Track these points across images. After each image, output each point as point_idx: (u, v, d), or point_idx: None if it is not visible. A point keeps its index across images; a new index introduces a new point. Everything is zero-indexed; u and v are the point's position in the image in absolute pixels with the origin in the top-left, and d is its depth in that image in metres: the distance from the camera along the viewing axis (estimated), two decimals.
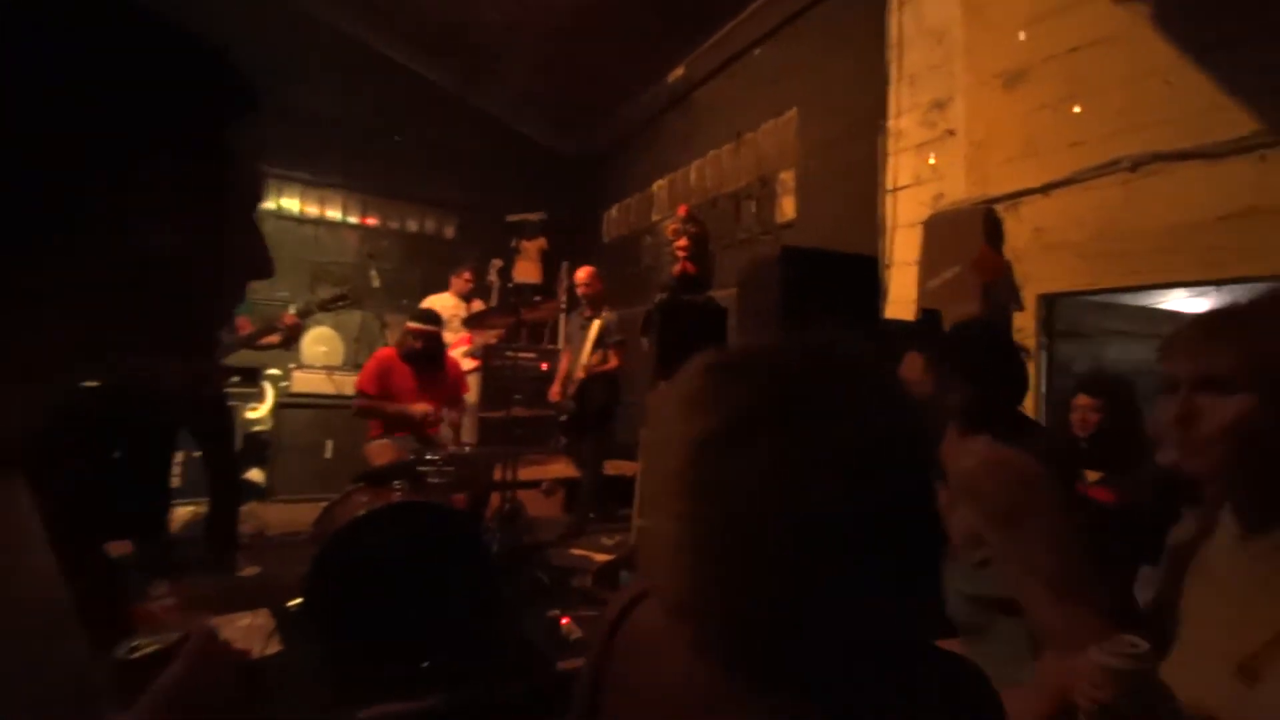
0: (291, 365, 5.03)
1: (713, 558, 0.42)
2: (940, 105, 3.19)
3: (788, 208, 4.03)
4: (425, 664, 1.96)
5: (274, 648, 2.09)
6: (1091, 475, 2.49)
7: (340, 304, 3.38)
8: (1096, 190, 2.60)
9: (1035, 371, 2.79)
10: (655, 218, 5.49)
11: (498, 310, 4.67)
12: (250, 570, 2.91)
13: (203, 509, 3.14)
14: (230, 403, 3.26)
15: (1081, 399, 2.86)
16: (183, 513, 3.40)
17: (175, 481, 3.45)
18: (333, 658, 1.89)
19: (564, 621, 2.41)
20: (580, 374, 3.70)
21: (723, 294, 3.85)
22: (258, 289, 5.56)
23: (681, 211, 4.10)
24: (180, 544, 2.98)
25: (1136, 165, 2.45)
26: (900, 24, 3.37)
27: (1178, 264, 2.40)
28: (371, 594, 1.96)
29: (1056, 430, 2.74)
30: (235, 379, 3.95)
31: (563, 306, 4.09)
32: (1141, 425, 2.98)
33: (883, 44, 3.43)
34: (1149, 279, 2.55)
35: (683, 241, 3.56)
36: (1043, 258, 2.78)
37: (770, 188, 4.13)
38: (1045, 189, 2.76)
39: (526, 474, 3.54)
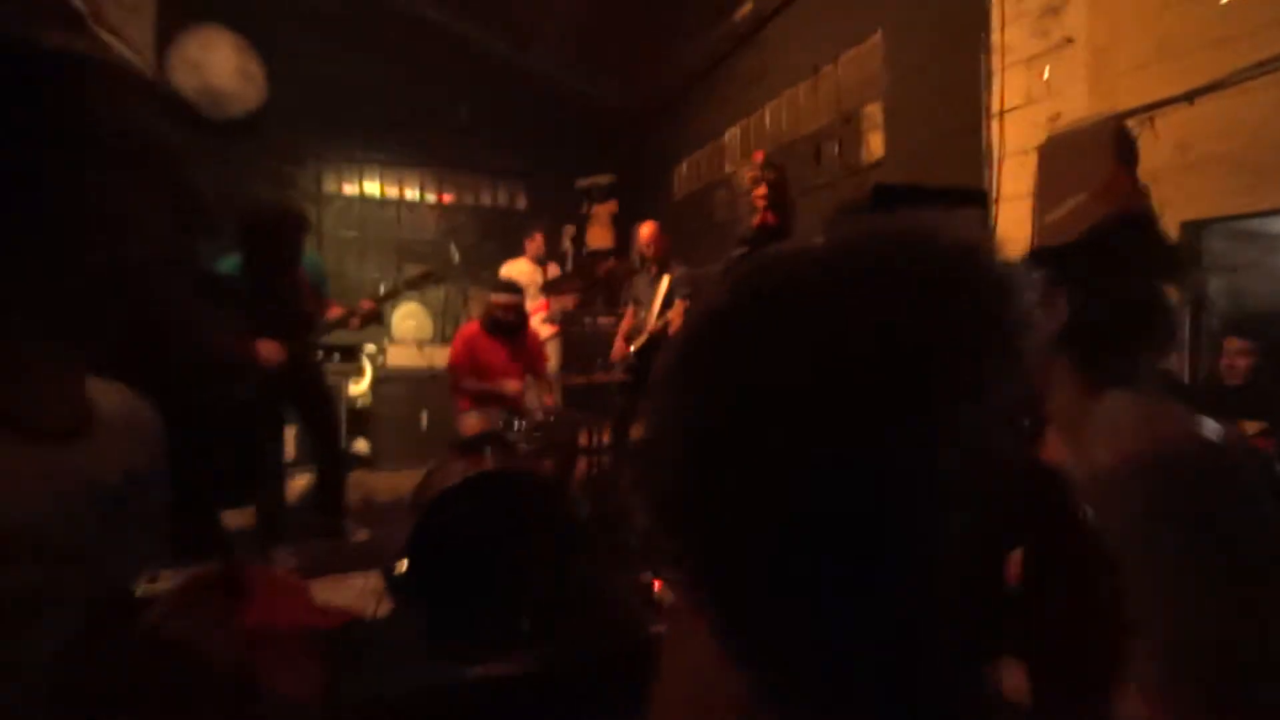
0: (385, 340, 5.27)
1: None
2: (1054, 10, 2.79)
3: (875, 145, 3.72)
4: (524, 626, 2.01)
5: (385, 608, 2.21)
6: (1250, 426, 2.19)
7: (427, 283, 3.47)
8: (1252, 94, 2.20)
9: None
10: (728, 169, 5.25)
11: (572, 275, 4.66)
12: (361, 535, 3.10)
13: (310, 478, 3.39)
14: (328, 377, 3.46)
15: (1232, 342, 2.53)
16: (297, 483, 3.66)
17: (289, 454, 3.73)
18: (435, 620, 1.97)
19: (656, 585, 2.41)
20: (647, 332, 3.63)
21: None
22: (350, 267, 5.84)
23: (757, 158, 3.88)
24: (295, 512, 3.22)
25: None
26: None
27: None
28: (468, 559, 2.02)
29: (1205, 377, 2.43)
30: (335, 356, 4.17)
31: (636, 267, 3.99)
32: None
33: None
34: None
35: (760, 190, 3.35)
36: (1187, 178, 2.40)
37: (854, 124, 3.82)
38: (1188, 96, 2.37)
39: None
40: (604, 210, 6.09)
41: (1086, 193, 2.84)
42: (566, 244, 6.22)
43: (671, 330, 3.60)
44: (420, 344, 5.53)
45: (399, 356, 5.32)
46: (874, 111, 3.71)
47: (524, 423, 2.82)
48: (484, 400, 3.25)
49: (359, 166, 6.13)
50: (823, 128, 4.12)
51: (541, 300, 4.79)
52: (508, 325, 3.30)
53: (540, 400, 3.43)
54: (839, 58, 3.96)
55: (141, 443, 0.62)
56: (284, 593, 1.85)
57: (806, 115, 4.28)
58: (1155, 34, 2.46)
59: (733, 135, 5.19)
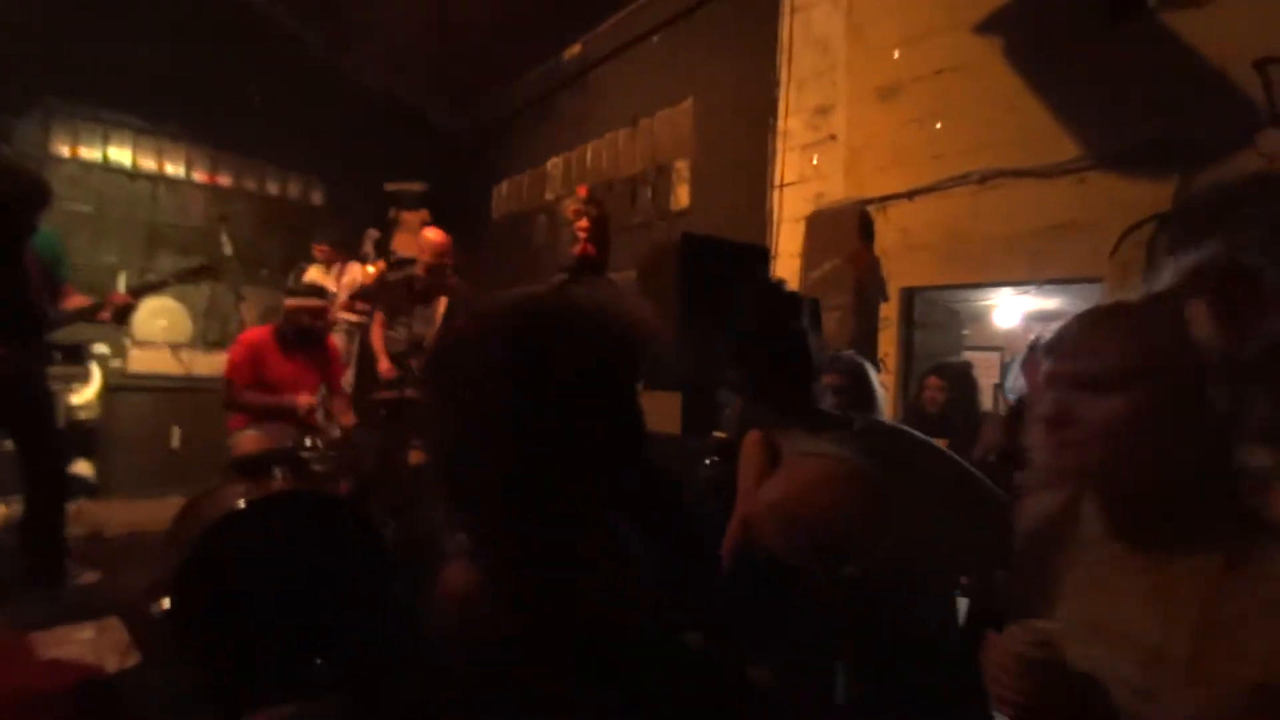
0: (126, 341, 4.39)
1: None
2: (824, 111, 3.44)
3: (682, 195, 4.15)
4: (318, 661, 1.85)
5: (132, 659, 1.87)
6: (942, 443, 2.89)
7: (202, 278, 3.00)
8: (951, 198, 2.96)
9: (896, 355, 3.15)
10: (549, 196, 5.40)
11: (392, 286, 4.37)
12: (89, 577, 2.54)
13: (17, 510, 2.67)
14: (50, 384, 2.79)
15: (932, 380, 3.30)
16: None
17: None
18: (211, 663, 1.73)
19: None
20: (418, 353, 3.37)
21: (618, 277, 3.91)
22: (80, 251, 4.77)
23: (582, 193, 4.08)
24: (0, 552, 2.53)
25: (984, 179, 2.82)
26: (791, 30, 3.57)
27: (1012, 265, 2.80)
28: (255, 592, 1.81)
29: (913, 406, 3.16)
30: (55, 357, 3.37)
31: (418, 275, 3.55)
32: (976, 402, 3.52)
33: (775, 47, 3.62)
34: (989, 277, 2.97)
35: (584, 223, 3.55)
36: (906, 255, 3.12)
37: (666, 175, 4.23)
38: (910, 194, 3.09)
39: (418, 457, 3.38)
40: (414, 218, 5.82)
41: (839, 258, 3.51)
42: (368, 248, 5.81)
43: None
44: (175, 347, 4.69)
45: (144, 361, 4.45)
46: (683, 166, 4.15)
47: (318, 441, 2.58)
48: (268, 416, 2.89)
49: (104, 128, 5.07)
50: (639, 173, 4.48)
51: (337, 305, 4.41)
52: (310, 333, 2.99)
53: (338, 419, 3.15)
54: (656, 113, 4.37)
55: None
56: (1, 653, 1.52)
57: (625, 159, 4.62)
58: (893, 143, 3.17)
59: (555, 165, 5.36)
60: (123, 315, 2.60)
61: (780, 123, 3.61)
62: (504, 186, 6.11)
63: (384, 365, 3.40)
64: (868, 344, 3.15)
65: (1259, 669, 0.59)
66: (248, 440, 2.82)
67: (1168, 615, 0.65)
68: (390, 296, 3.44)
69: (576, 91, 5.16)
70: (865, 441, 1.14)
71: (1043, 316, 4.27)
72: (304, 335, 2.95)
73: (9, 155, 4.42)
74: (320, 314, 2.98)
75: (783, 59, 3.61)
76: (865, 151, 3.28)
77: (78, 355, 4.09)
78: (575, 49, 4.99)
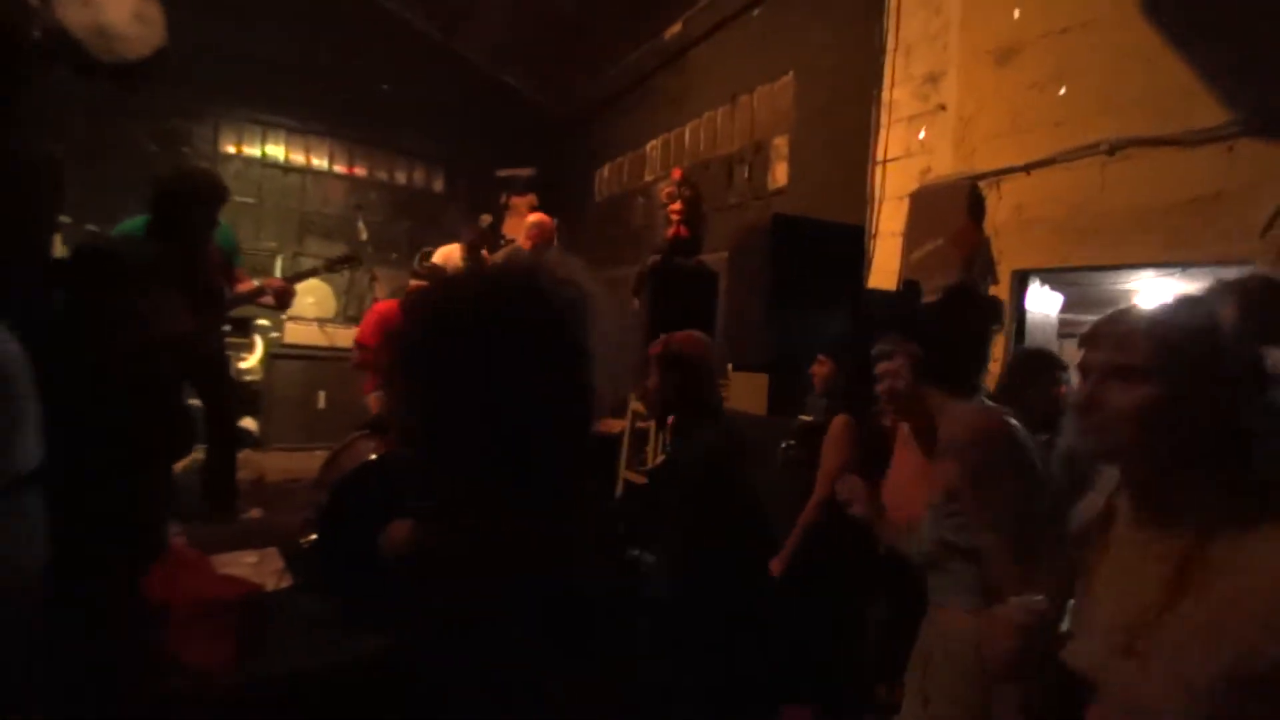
0: (283, 317, 5.04)
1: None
2: (934, 79, 3.25)
3: (780, 174, 4.09)
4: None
5: (284, 583, 2.23)
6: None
7: (347, 266, 3.42)
8: (1075, 170, 2.71)
9: (1003, 342, 2.96)
10: (648, 178, 5.49)
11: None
12: (254, 513, 3.02)
13: (198, 457, 3.24)
14: (226, 352, 3.32)
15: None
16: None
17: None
18: (342, 594, 2.03)
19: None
20: None
21: (713, 257, 3.95)
22: (245, 238, 5.52)
23: (676, 175, 4.13)
24: (178, 491, 3.08)
25: (1114, 148, 2.56)
26: None
27: (1147, 245, 2.54)
28: (380, 535, 2.09)
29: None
30: (227, 329, 3.98)
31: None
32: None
33: (881, 12, 3.45)
34: (1119, 259, 2.70)
35: (677, 205, 3.62)
36: (1020, 234, 2.91)
37: (764, 153, 4.18)
38: (1027, 167, 2.86)
39: None
40: (523, 202, 6.13)
41: (944, 238, 3.33)
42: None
43: None
44: (321, 322, 5.33)
45: (297, 334, 5.10)
46: (782, 143, 4.08)
47: None
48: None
49: (262, 128, 5.80)
50: (736, 151, 4.45)
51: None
52: None
53: None
54: (755, 89, 4.31)
55: None
56: (186, 565, 1.89)
57: (723, 138, 4.61)
58: (1010, 111, 2.95)
59: (654, 147, 5.44)
60: (283, 300, 3.03)
61: (885, 94, 3.45)
62: (605, 170, 6.27)
63: None
64: None
65: (1234, 656, 0.62)
66: (381, 399, 3.20)
67: (1168, 591, 0.69)
68: None
69: (676, 71, 5.18)
70: None
71: None
72: None
73: (192, 160, 5.20)
74: None
75: (890, 23, 3.43)
76: (978, 121, 3.07)
77: (245, 328, 4.78)
78: (675, 27, 5.00)
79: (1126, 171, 2.54)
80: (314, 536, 2.05)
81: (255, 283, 2.98)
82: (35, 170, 1.75)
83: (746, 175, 4.28)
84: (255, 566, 2.36)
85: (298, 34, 5.57)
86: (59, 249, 4.01)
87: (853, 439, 2.21)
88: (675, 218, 3.62)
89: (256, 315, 4.86)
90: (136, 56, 4.59)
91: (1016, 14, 2.88)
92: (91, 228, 4.58)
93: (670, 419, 1.93)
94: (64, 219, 4.41)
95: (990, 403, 1.34)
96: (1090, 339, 0.79)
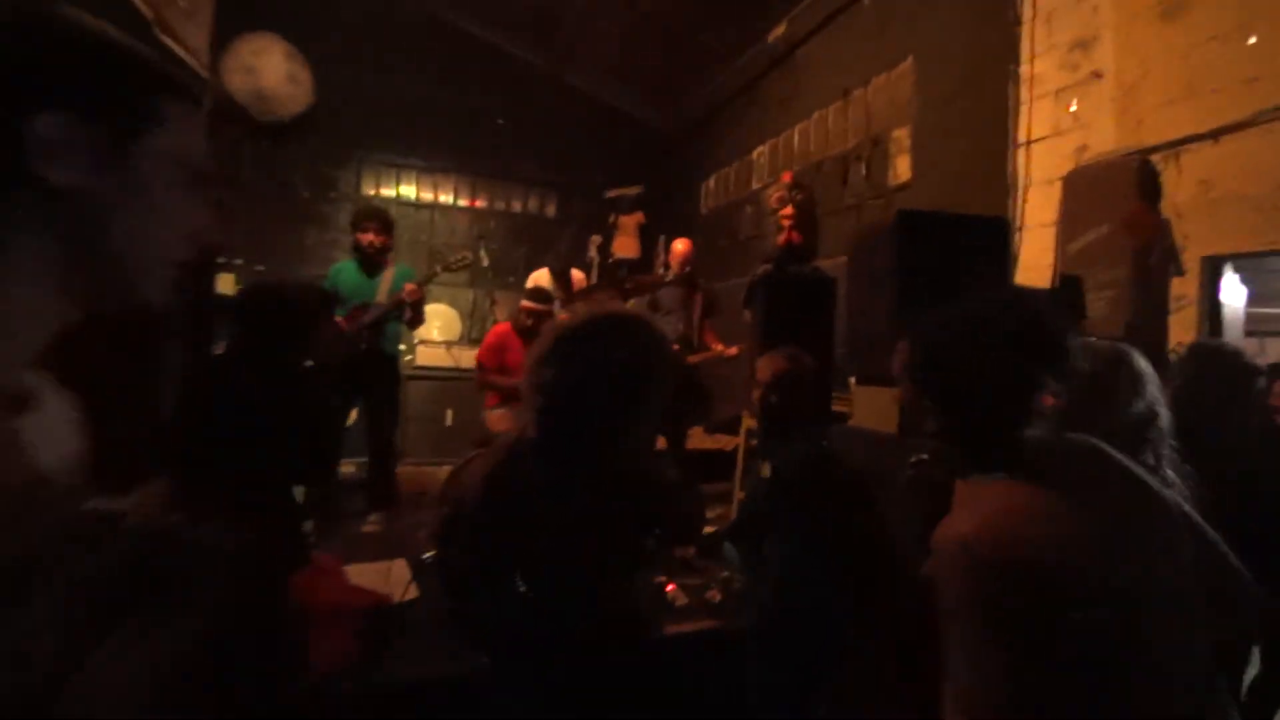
0: (417, 341, 5.44)
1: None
2: (1084, 44, 2.85)
3: (902, 168, 3.78)
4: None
5: (411, 594, 2.32)
6: None
7: (462, 264, 3.67)
8: (1275, 135, 2.24)
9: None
10: (755, 186, 5.34)
11: (600, 286, 4.76)
12: (372, 525, 3.23)
13: (351, 467, 3.57)
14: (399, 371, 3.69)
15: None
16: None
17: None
18: (460, 606, 2.07)
19: (669, 589, 2.48)
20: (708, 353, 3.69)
21: (829, 263, 3.71)
22: None
23: (785, 178, 3.95)
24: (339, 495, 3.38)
25: None
26: None
27: None
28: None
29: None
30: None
31: (664, 280, 4.06)
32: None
33: None
34: None
35: (788, 210, 3.45)
36: (1209, 214, 2.44)
37: (882, 147, 3.89)
38: (1214, 134, 2.41)
39: None
40: (631, 221, 6.22)
41: (1110, 225, 2.88)
42: (593, 253, 6.35)
43: (714, 348, 3.67)
44: (448, 344, 5.68)
45: (426, 356, 5.47)
46: (902, 135, 3.77)
47: None
48: (511, 398, 3.38)
49: (396, 170, 6.34)
50: (851, 149, 4.19)
51: (561, 314, 4.91)
52: (533, 331, 3.43)
53: None
54: (870, 82, 4.04)
55: None
56: (323, 571, 1.97)
57: (835, 136, 4.36)
58: (1183, 72, 2.51)
59: (761, 153, 5.28)
60: (417, 306, 3.30)
61: (1025, 67, 3.08)
62: (711, 182, 6.20)
63: None
64: (1153, 330, 2.53)
65: None
66: (498, 418, 3.32)
67: None
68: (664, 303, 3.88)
69: (783, 73, 5.01)
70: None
71: None
72: (530, 332, 3.38)
73: (339, 201, 5.78)
74: (539, 315, 3.39)
75: None
76: (1144, 86, 2.64)
77: None
78: (780, 29, 4.84)
79: None
80: (433, 551, 2.11)
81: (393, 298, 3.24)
82: None
83: (864, 173, 4.01)
84: (385, 577, 2.49)
85: (422, 79, 6.05)
86: (231, 287, 4.60)
87: None
88: (786, 223, 3.45)
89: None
90: (289, 115, 5.21)
91: None
92: (260, 268, 5.23)
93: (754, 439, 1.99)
94: (237, 260, 5.10)
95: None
96: None
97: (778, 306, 3.04)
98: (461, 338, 5.99)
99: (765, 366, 1.93)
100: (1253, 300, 2.74)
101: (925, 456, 2.30)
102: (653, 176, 6.30)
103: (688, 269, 3.81)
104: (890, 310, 2.74)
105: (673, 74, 6.00)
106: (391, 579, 2.42)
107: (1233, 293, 2.62)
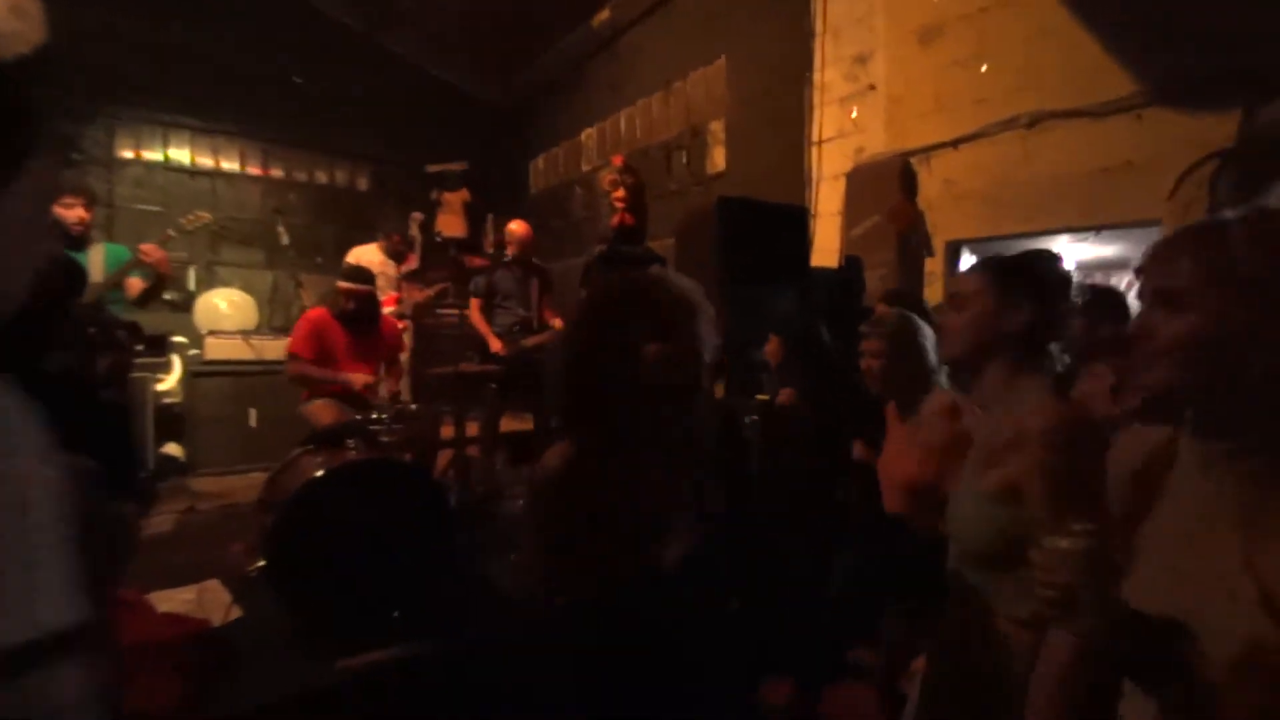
0: (205, 332, 4.70)
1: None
2: (862, 60, 3.33)
3: (718, 158, 4.11)
4: (396, 614, 2.02)
5: (235, 614, 2.08)
6: None
7: (197, 224, 3.28)
8: (999, 144, 2.85)
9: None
10: (586, 168, 5.42)
11: (430, 266, 4.52)
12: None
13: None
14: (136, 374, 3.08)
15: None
16: None
17: None
18: (303, 617, 1.91)
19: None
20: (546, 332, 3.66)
21: (658, 244, 3.93)
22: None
23: (617, 162, 4.09)
24: None
25: (1033, 121, 2.70)
26: None
27: (1065, 212, 2.70)
28: (337, 551, 1.98)
29: None
30: (140, 349, 3.65)
31: (502, 262, 3.96)
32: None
33: None
34: (1041, 225, 2.86)
35: (620, 193, 3.58)
36: (951, 207, 3.04)
37: (701, 138, 4.19)
38: (955, 142, 2.99)
39: (474, 429, 3.54)
40: (456, 198, 5.95)
41: (880, 215, 3.43)
42: (414, 231, 5.97)
43: (555, 325, 3.67)
44: (245, 334, 4.98)
45: (219, 349, 4.75)
46: (718, 128, 4.10)
47: (386, 414, 2.74)
48: (328, 390, 3.08)
49: (163, 129, 5.35)
50: (673, 138, 4.45)
51: (391, 294, 4.58)
52: (354, 315, 3.14)
53: (387, 391, 3.32)
54: (689, 75, 4.31)
55: None
56: (125, 605, 1.73)
57: (659, 124, 4.59)
58: (934, 90, 3.06)
59: (590, 136, 5.36)
60: (159, 276, 2.75)
61: (816, 75, 3.52)
62: (540, 161, 6.16)
63: (495, 344, 3.62)
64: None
65: None
66: (321, 409, 3.01)
67: (1257, 557, 0.63)
68: (434, 281, 3.68)
69: (608, 59, 5.12)
70: None
71: (1103, 265, 4.08)
72: (356, 315, 3.10)
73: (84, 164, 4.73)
74: (359, 297, 3.11)
75: (817, 7, 3.50)
76: (906, 100, 3.18)
77: (160, 346, 4.41)
78: (604, 14, 4.94)
79: (1045, 143, 2.70)
80: (263, 562, 1.91)
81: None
82: None
83: (685, 161, 4.28)
84: (196, 602, 2.19)
85: (199, 26, 5.17)
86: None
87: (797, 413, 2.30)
88: (619, 205, 3.59)
89: (173, 331, 4.51)
90: (12, 55, 4.13)
91: None
92: None
93: None
94: None
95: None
96: (1140, 267, 0.72)
97: None
98: (261, 326, 5.28)
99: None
100: None
101: (755, 417, 2.60)
102: (478, 153, 6.07)
103: (528, 252, 3.77)
104: (714, 286, 3.01)
105: (500, 49, 5.81)
106: (206, 602, 2.14)
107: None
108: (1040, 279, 1.00)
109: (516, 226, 3.80)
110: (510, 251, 3.78)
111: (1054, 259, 1.04)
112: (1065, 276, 1.02)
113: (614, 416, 0.96)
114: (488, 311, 3.76)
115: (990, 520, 0.92)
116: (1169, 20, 2.29)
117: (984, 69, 2.86)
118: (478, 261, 3.93)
